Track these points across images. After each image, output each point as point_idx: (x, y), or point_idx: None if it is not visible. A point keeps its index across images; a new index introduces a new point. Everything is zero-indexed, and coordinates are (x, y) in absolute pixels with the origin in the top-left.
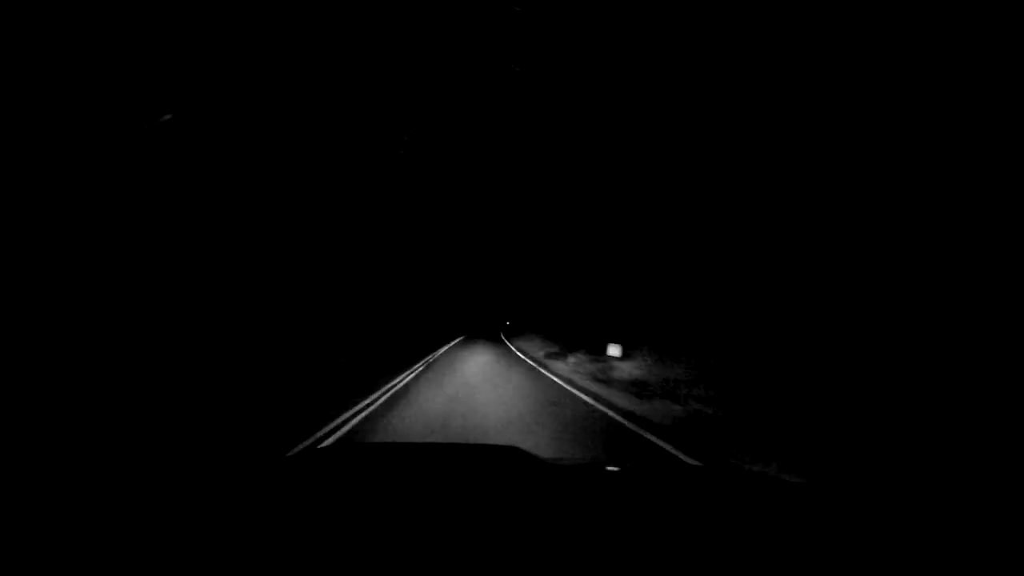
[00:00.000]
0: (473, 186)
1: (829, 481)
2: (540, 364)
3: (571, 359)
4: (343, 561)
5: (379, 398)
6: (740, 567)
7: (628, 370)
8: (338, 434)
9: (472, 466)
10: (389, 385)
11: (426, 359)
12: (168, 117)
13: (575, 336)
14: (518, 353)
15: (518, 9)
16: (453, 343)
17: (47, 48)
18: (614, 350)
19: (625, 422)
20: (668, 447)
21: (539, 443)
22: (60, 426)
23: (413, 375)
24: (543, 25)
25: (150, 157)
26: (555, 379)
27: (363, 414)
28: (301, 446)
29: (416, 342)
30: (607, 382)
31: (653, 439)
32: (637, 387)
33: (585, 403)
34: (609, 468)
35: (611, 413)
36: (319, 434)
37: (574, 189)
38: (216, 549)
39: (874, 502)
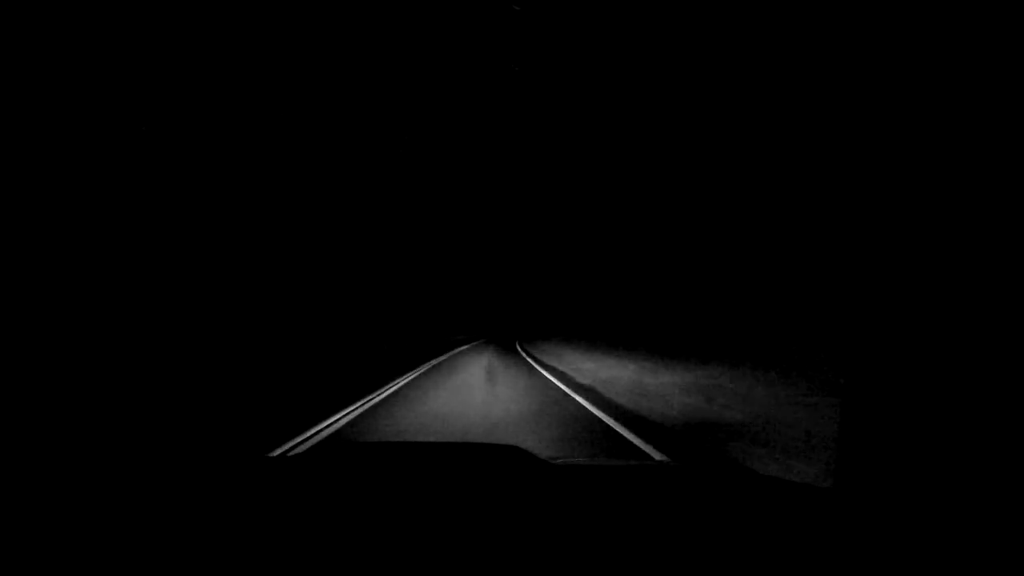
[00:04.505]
0: (473, 186)
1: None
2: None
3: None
4: (335, 563)
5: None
6: (740, 569)
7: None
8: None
9: (469, 466)
10: None
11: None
12: (168, 119)
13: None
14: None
15: (518, 9)
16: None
17: (55, 48)
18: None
19: None
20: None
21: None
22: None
23: None
24: (543, 25)
25: (164, 160)
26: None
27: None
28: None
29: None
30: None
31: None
32: None
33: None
34: (609, 467)
35: None
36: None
37: (573, 188)
38: (189, 550)
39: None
